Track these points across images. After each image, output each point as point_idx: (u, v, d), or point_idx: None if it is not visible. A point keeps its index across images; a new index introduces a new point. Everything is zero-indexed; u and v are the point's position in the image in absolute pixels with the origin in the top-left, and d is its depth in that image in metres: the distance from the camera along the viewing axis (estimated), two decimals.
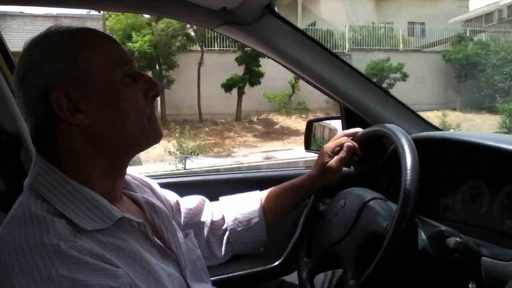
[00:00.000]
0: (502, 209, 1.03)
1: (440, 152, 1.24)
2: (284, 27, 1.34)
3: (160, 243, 0.90)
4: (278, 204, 1.24)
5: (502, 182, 1.05)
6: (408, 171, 0.94)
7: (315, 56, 1.42)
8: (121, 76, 0.85)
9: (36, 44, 0.84)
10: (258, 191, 1.27)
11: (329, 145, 1.26)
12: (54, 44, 0.83)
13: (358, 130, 1.28)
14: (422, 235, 0.96)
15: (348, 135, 1.28)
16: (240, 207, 1.22)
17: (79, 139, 0.82)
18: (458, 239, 0.91)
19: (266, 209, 1.22)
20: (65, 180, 0.80)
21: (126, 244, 0.79)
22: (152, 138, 0.90)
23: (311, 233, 1.26)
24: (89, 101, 0.82)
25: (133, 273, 0.76)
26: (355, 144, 1.24)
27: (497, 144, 1.00)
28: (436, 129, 1.52)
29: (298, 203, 1.27)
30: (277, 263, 1.60)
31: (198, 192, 1.25)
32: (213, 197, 1.27)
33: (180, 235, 1.00)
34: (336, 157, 1.23)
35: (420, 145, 1.03)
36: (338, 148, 1.24)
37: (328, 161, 1.23)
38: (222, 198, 1.26)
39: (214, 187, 1.60)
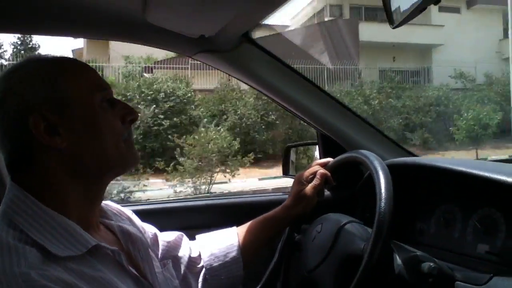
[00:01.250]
0: (475, 234, 1.05)
1: (414, 177, 1.27)
2: (261, 55, 1.36)
3: (136, 273, 0.88)
4: (254, 237, 1.23)
5: (474, 206, 1.07)
6: (383, 196, 0.95)
7: (292, 83, 1.45)
8: (99, 101, 0.86)
9: (15, 70, 0.84)
10: (234, 227, 1.27)
11: (302, 174, 1.28)
12: (33, 69, 0.84)
13: (330, 160, 1.31)
14: (398, 260, 0.97)
15: (321, 164, 1.30)
16: (217, 243, 1.22)
17: (56, 163, 0.82)
18: (432, 264, 0.93)
19: (243, 243, 1.22)
20: (39, 207, 0.78)
21: (100, 273, 0.78)
22: (130, 162, 0.91)
23: (287, 262, 1.26)
24: (67, 124, 0.82)
25: None
26: (327, 172, 1.26)
27: (468, 170, 1.02)
28: (411, 154, 1.55)
29: (275, 235, 1.27)
30: None
31: (174, 218, 1.24)
32: (191, 224, 1.25)
33: (157, 264, 0.99)
34: (310, 185, 1.25)
35: (394, 170, 1.04)
36: (311, 176, 1.26)
37: (302, 189, 1.24)
38: (198, 236, 1.26)
39: (190, 214, 1.59)
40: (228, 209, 1.67)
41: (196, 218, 1.29)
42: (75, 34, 1.35)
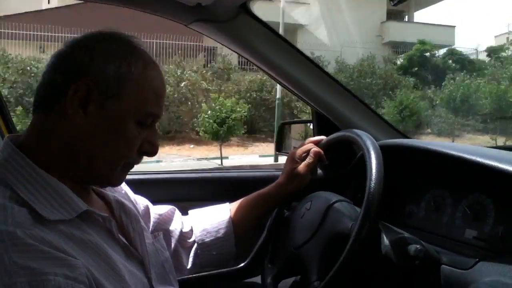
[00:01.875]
0: (464, 219, 1.05)
1: (407, 160, 1.26)
2: (259, 27, 1.34)
3: (126, 242, 0.88)
4: (247, 214, 1.23)
5: (465, 192, 1.07)
6: (373, 176, 0.95)
7: (289, 58, 1.42)
8: (145, 115, 0.84)
9: (117, 38, 0.86)
10: (227, 203, 1.27)
11: (296, 152, 1.27)
12: (128, 53, 0.84)
13: (323, 138, 1.30)
14: (385, 241, 0.96)
15: (314, 142, 1.29)
16: (209, 218, 1.22)
17: (64, 132, 0.80)
18: (418, 246, 0.92)
19: (235, 219, 1.22)
20: (32, 168, 0.77)
21: (90, 237, 0.77)
22: (112, 182, 0.90)
23: (275, 239, 1.26)
24: (100, 111, 0.80)
25: (94, 266, 0.74)
26: (320, 150, 1.25)
27: (460, 154, 1.01)
28: (405, 136, 1.54)
29: (268, 212, 1.27)
30: (241, 265, 1.59)
31: (167, 191, 1.23)
32: (183, 197, 1.25)
33: (148, 235, 0.99)
34: (303, 163, 1.24)
35: (387, 151, 1.04)
36: (305, 154, 1.26)
37: (296, 167, 1.24)
38: (191, 211, 1.26)
39: (183, 186, 1.58)
40: (222, 184, 1.68)
41: (189, 191, 1.29)
42: None
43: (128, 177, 1.14)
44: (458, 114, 16.28)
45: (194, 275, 1.52)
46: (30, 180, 0.76)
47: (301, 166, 1.24)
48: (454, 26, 22.85)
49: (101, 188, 0.94)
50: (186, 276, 1.45)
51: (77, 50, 0.82)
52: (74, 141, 0.81)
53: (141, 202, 1.13)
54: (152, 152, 0.89)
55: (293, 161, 1.26)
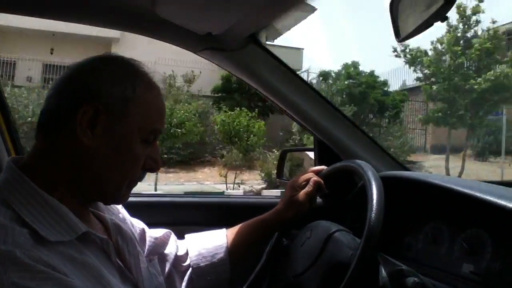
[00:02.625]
0: (461, 253, 1.06)
1: (407, 192, 1.27)
2: (266, 57, 1.37)
3: (121, 265, 0.89)
4: (244, 240, 1.24)
5: (463, 226, 1.08)
6: (374, 207, 0.96)
7: (294, 88, 1.45)
8: (149, 134, 0.88)
9: (121, 62, 0.90)
10: (224, 228, 1.27)
11: (296, 180, 1.29)
12: (131, 75, 0.88)
13: (324, 167, 1.32)
14: (383, 273, 0.97)
15: (315, 171, 1.31)
16: (205, 243, 1.22)
17: (71, 152, 0.83)
18: (416, 279, 0.93)
19: (232, 245, 1.22)
20: (33, 189, 0.79)
21: (88, 259, 0.78)
22: (118, 200, 0.93)
23: (274, 267, 1.27)
24: (107, 132, 0.83)
25: None
26: (320, 179, 1.27)
27: (460, 189, 1.03)
28: (405, 168, 1.56)
29: (264, 238, 1.27)
30: None
31: (165, 213, 1.23)
32: (181, 221, 1.25)
33: (143, 259, 0.99)
34: (302, 191, 1.25)
35: (387, 183, 1.05)
36: (305, 182, 1.27)
37: (295, 195, 1.25)
38: (187, 236, 1.26)
39: (181, 210, 1.59)
40: (219, 209, 1.68)
41: (186, 215, 1.29)
42: (81, 20, 1.35)
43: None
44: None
45: None
46: (31, 201, 0.77)
47: (300, 194, 1.25)
48: (302, 49, 22.05)
49: (105, 204, 0.96)
50: None
51: (83, 74, 0.86)
52: (81, 161, 0.83)
53: (137, 225, 1.14)
54: (156, 168, 0.92)
55: (293, 188, 1.27)
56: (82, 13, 1.27)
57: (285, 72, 1.41)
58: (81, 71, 0.86)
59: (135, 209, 1.17)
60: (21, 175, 0.80)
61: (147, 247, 1.14)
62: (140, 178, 0.92)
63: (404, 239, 1.25)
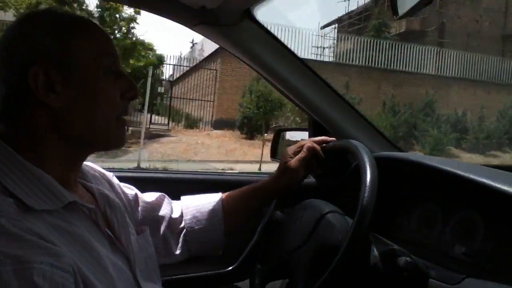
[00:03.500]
0: (453, 234, 1.06)
1: (400, 173, 1.27)
2: (261, 34, 1.35)
3: (111, 234, 0.88)
4: (239, 205, 1.23)
5: (456, 207, 1.08)
6: (367, 187, 0.95)
7: (290, 66, 1.43)
8: (105, 69, 0.85)
9: (33, 17, 0.85)
10: (220, 193, 1.27)
11: (291, 147, 1.29)
12: (48, 21, 0.84)
13: (324, 138, 1.30)
14: (375, 252, 0.97)
15: (316, 141, 1.29)
16: (200, 206, 1.21)
17: (45, 120, 0.81)
18: (408, 259, 0.93)
19: (227, 210, 1.22)
20: (17, 159, 0.77)
21: (75, 228, 0.77)
22: (114, 142, 0.90)
23: (267, 240, 1.27)
24: (67, 85, 0.81)
25: (79, 258, 0.73)
26: (316, 146, 1.26)
27: (454, 170, 1.03)
28: (399, 150, 1.56)
29: (260, 205, 1.26)
30: (231, 268, 1.59)
31: (159, 190, 1.24)
32: (175, 196, 1.25)
33: (132, 231, 0.98)
34: (295, 157, 1.24)
35: (381, 163, 1.05)
36: (299, 149, 1.26)
37: (288, 161, 1.24)
38: (183, 197, 1.25)
39: (176, 186, 1.59)
40: (214, 185, 1.68)
41: (181, 191, 1.29)
42: None
43: (119, 174, 1.15)
44: None
45: (182, 275, 1.53)
46: (14, 170, 0.76)
47: (294, 160, 1.24)
48: None
49: (108, 150, 0.95)
50: (170, 277, 1.46)
51: (13, 44, 0.82)
52: (59, 124, 0.82)
53: (128, 191, 1.13)
54: (134, 94, 0.91)
55: (287, 155, 1.27)
56: None
57: (280, 49, 1.39)
58: (8, 43, 0.83)
59: (128, 183, 1.16)
60: (4, 145, 0.78)
61: (140, 211, 1.14)
62: (126, 111, 0.91)
63: (397, 220, 1.25)
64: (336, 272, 0.91)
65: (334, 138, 1.31)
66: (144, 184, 1.26)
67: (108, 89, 0.85)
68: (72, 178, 0.89)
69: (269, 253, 1.23)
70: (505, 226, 0.96)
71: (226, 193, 1.26)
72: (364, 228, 0.91)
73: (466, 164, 1.14)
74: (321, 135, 1.49)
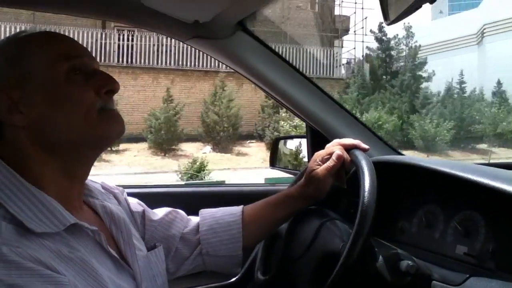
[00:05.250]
0: (455, 235, 1.06)
1: (399, 176, 1.27)
2: (255, 45, 1.36)
3: (116, 255, 0.87)
4: (261, 217, 1.16)
5: (457, 208, 1.08)
6: (366, 192, 0.96)
7: (284, 75, 1.44)
8: (65, 73, 0.83)
9: None
10: (241, 206, 1.20)
11: (320, 153, 1.18)
12: (2, 46, 0.84)
13: (356, 142, 1.18)
14: (378, 257, 0.98)
15: (342, 145, 1.18)
16: (218, 217, 1.16)
17: (25, 139, 0.81)
18: (410, 262, 0.93)
19: (248, 222, 1.15)
20: (17, 179, 0.78)
21: (77, 253, 0.77)
22: (103, 135, 0.87)
23: (269, 251, 1.27)
24: (29, 100, 0.81)
25: (81, 283, 0.73)
26: (346, 155, 1.14)
27: (453, 171, 1.03)
28: (398, 153, 1.56)
29: (285, 216, 1.18)
30: (233, 279, 1.59)
31: (174, 205, 1.21)
32: (191, 211, 1.23)
33: (141, 247, 0.97)
34: (323, 166, 1.14)
35: (380, 167, 1.05)
36: (328, 156, 1.16)
37: (315, 169, 1.14)
38: (201, 210, 1.20)
39: (193, 200, 1.58)
40: (230, 197, 1.68)
41: (197, 205, 1.28)
42: (68, 11, 1.33)
43: (131, 190, 1.14)
44: None
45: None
46: (15, 191, 0.76)
47: (321, 169, 1.13)
48: None
49: (103, 146, 0.92)
50: None
51: None
52: (39, 137, 0.82)
53: (135, 208, 1.10)
54: (113, 88, 0.89)
55: (314, 162, 1.16)
56: (69, 4, 1.25)
57: (274, 59, 1.40)
58: None
59: (141, 200, 1.15)
60: (4, 165, 0.79)
61: (147, 230, 1.10)
62: (108, 104, 0.88)
63: (398, 224, 1.25)
64: (339, 278, 0.91)
65: (368, 147, 1.18)
66: (158, 199, 1.25)
67: (75, 91, 0.84)
68: (75, 193, 0.88)
69: (271, 264, 1.23)
70: (506, 225, 0.96)
71: (249, 205, 1.19)
72: (365, 233, 0.91)
73: (464, 164, 1.14)
74: (319, 142, 1.49)
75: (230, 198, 1.64)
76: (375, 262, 0.96)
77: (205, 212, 1.19)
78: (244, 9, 1.19)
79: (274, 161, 1.86)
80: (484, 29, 40.30)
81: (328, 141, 1.49)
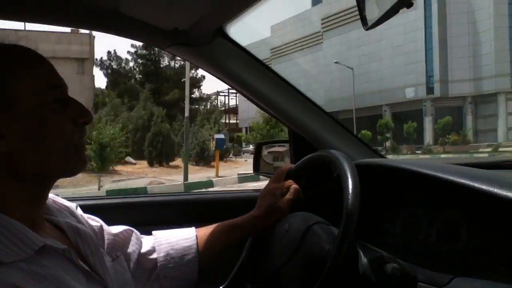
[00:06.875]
0: (438, 236, 1.07)
1: (382, 178, 1.28)
2: (235, 50, 1.36)
3: (87, 268, 0.86)
4: (215, 242, 1.20)
5: (439, 209, 1.09)
6: (350, 195, 0.96)
7: (265, 80, 1.45)
8: (50, 102, 0.82)
9: None
10: (193, 228, 1.23)
11: (277, 186, 1.26)
12: None
13: (292, 166, 1.30)
14: (363, 260, 0.98)
15: (285, 170, 1.29)
16: (174, 243, 1.17)
17: (3, 165, 0.79)
18: (395, 264, 0.94)
19: (202, 246, 1.18)
20: None
21: (50, 271, 0.75)
22: (77, 167, 0.87)
23: (255, 258, 1.26)
24: (12, 126, 0.78)
25: None
26: (297, 187, 1.25)
27: (434, 173, 1.04)
28: (380, 156, 1.57)
29: (237, 242, 1.23)
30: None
31: (129, 217, 1.19)
32: (149, 221, 1.20)
33: (107, 258, 0.96)
34: (285, 199, 1.22)
35: (362, 170, 1.05)
36: (286, 190, 1.24)
37: (276, 202, 1.22)
38: (155, 232, 1.21)
39: (147, 210, 1.55)
40: (188, 206, 1.65)
41: (153, 214, 1.25)
42: (45, 20, 1.30)
43: (84, 202, 1.11)
44: None
45: None
46: None
47: (283, 201, 1.22)
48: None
49: (72, 176, 0.90)
50: None
51: None
52: (14, 163, 0.79)
53: (93, 223, 1.09)
54: (88, 119, 0.87)
55: (274, 195, 1.23)
56: (44, 13, 1.23)
57: (254, 64, 1.40)
58: None
59: (96, 212, 1.13)
60: None
61: (106, 244, 1.09)
62: (81, 137, 0.87)
63: (383, 226, 1.26)
64: (327, 281, 0.91)
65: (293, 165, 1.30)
66: (111, 212, 1.22)
67: (57, 120, 0.82)
68: (39, 216, 0.86)
69: (258, 271, 1.22)
70: (487, 224, 0.97)
71: (202, 229, 1.22)
72: (351, 235, 0.92)
73: (445, 165, 1.15)
74: (301, 146, 1.50)
75: (189, 207, 1.62)
76: (361, 266, 0.97)
77: (159, 235, 1.19)
78: (224, 16, 1.19)
79: (257, 167, 1.86)
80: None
81: (311, 146, 1.51)
